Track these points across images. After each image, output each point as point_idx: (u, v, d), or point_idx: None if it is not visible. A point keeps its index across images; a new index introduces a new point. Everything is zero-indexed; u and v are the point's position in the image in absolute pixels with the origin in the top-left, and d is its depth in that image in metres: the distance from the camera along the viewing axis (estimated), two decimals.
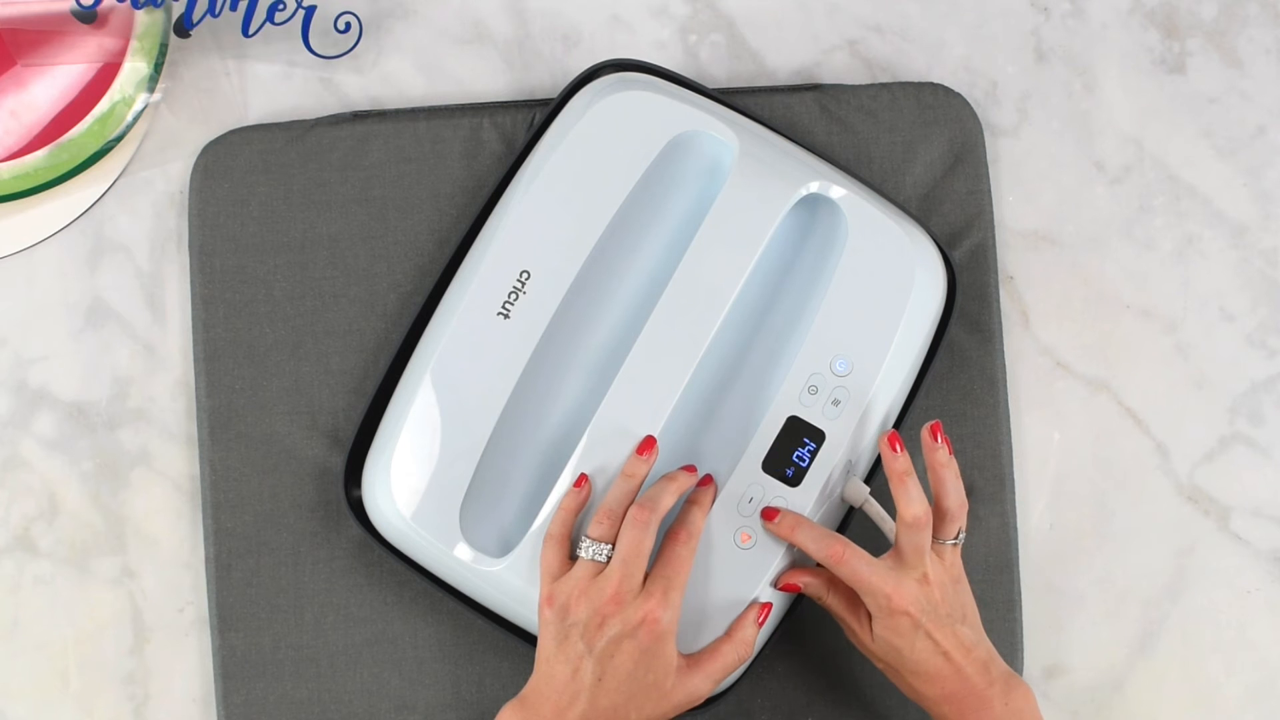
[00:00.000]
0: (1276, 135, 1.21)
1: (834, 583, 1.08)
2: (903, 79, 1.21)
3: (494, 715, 1.07)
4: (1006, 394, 1.18)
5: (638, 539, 1.03)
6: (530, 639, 1.10)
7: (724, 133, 1.11)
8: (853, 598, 1.07)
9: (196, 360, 1.17)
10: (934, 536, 1.05)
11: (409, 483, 1.08)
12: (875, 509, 1.08)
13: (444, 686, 1.15)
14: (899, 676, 1.06)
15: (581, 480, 1.06)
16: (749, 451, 1.08)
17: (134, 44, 1.18)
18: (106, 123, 1.18)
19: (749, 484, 1.08)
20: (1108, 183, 1.21)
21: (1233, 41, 1.22)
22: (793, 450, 1.08)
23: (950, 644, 1.04)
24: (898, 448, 1.05)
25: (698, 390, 1.10)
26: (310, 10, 1.17)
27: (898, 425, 1.12)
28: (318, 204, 1.17)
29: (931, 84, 1.19)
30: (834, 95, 1.19)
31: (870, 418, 1.09)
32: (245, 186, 1.17)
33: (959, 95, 1.19)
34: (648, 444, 1.06)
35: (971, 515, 1.16)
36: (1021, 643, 1.16)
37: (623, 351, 1.08)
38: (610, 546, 1.03)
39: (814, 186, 1.11)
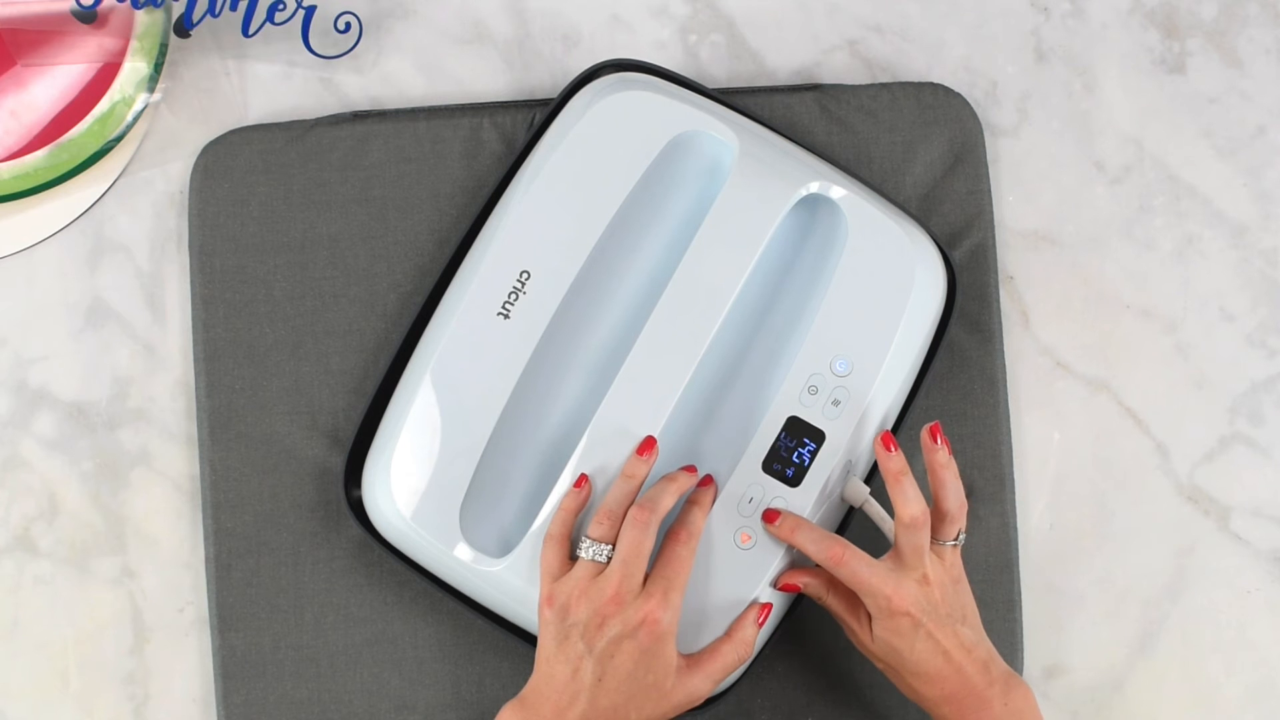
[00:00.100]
0: (1276, 135, 1.21)
1: (834, 583, 1.08)
2: (903, 79, 1.21)
3: (494, 715, 1.07)
4: (1006, 394, 1.18)
5: (638, 539, 1.03)
6: (530, 639, 1.10)
7: (724, 133, 1.11)
8: (853, 598, 1.07)
9: (196, 360, 1.17)
10: (934, 537, 1.05)
11: (409, 483, 1.08)
12: (875, 509, 1.08)
13: (444, 686, 1.15)
14: (899, 677, 1.06)
15: (581, 480, 1.06)
16: (749, 451, 1.08)
17: (134, 44, 1.18)
18: (106, 123, 1.18)
19: (749, 484, 1.08)
20: (1108, 183, 1.21)
21: (1233, 41, 1.22)
22: (793, 450, 1.08)
23: (950, 644, 1.04)
24: (892, 448, 1.05)
25: (698, 390, 1.10)
26: (310, 10, 1.17)
27: (898, 425, 1.12)
28: (318, 204, 1.17)
29: (931, 84, 1.19)
30: (834, 95, 1.19)
31: (870, 418, 1.09)
32: (245, 186, 1.17)
33: (959, 95, 1.19)
34: (648, 444, 1.06)
35: (971, 515, 1.16)
36: (1021, 643, 1.16)
37: (623, 351, 1.08)
38: (610, 547, 1.03)
39: (814, 186, 1.10)
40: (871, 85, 1.19)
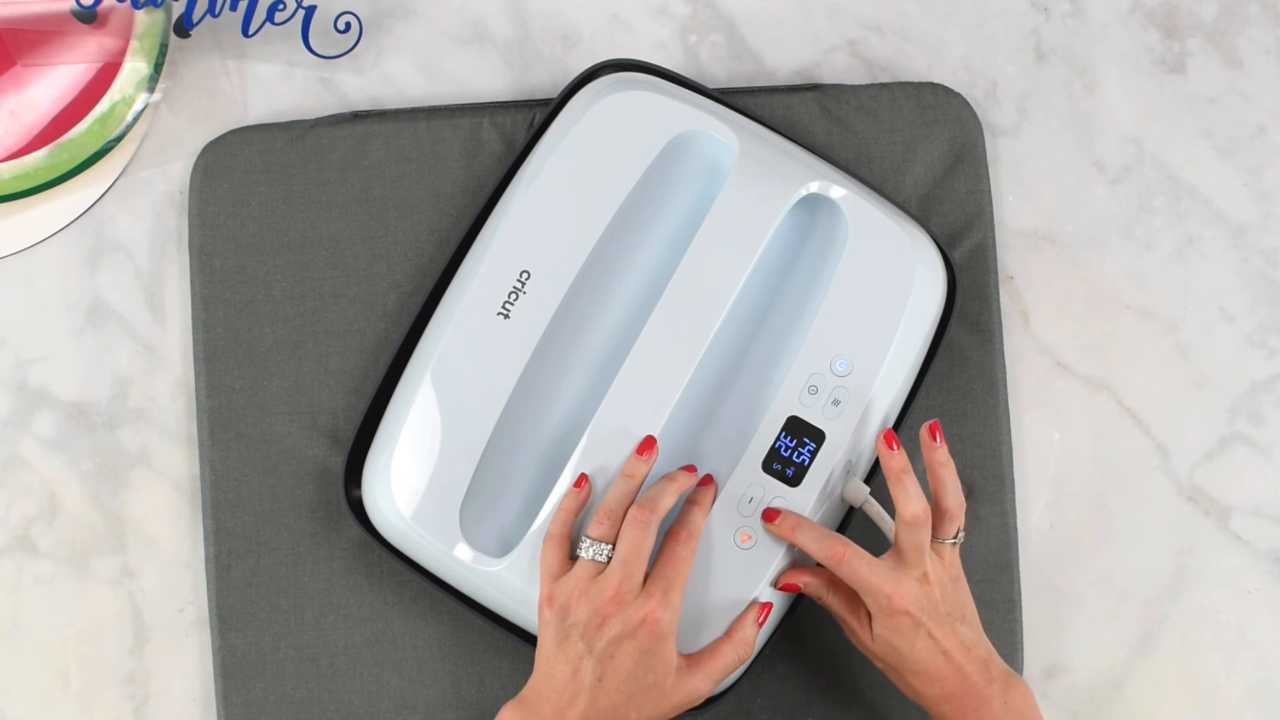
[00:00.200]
0: (1276, 135, 1.21)
1: (834, 582, 1.08)
2: (903, 79, 1.21)
3: (494, 715, 1.07)
4: (1006, 394, 1.18)
5: (638, 539, 1.03)
6: (530, 639, 1.10)
7: (724, 133, 1.11)
8: (853, 597, 1.07)
9: (196, 360, 1.17)
10: (934, 536, 1.05)
11: (409, 483, 1.08)
12: (875, 509, 1.08)
13: (444, 686, 1.15)
14: (899, 676, 1.06)
15: (581, 480, 1.06)
16: (749, 451, 1.08)
17: (134, 44, 1.18)
18: (106, 123, 1.18)
19: (749, 484, 1.08)
20: (1108, 183, 1.21)
21: (1233, 41, 1.22)
22: (793, 450, 1.08)
23: (950, 643, 1.04)
24: (894, 446, 1.05)
25: (698, 390, 1.10)
26: (310, 10, 1.17)
27: (898, 425, 1.12)
28: (318, 204, 1.17)
29: (931, 84, 1.19)
30: (834, 95, 1.19)
31: (870, 418, 1.09)
32: (245, 186, 1.17)
33: (959, 95, 1.19)
34: (648, 444, 1.06)
35: (971, 515, 1.16)
36: (1021, 643, 1.16)
37: (623, 351, 1.08)
38: (610, 547, 1.03)
39: (814, 186, 1.10)
40: (871, 85, 1.19)
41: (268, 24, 1.18)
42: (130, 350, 1.18)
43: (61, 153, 1.18)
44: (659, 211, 1.12)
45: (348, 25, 1.19)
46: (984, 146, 1.19)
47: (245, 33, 1.18)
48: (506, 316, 1.09)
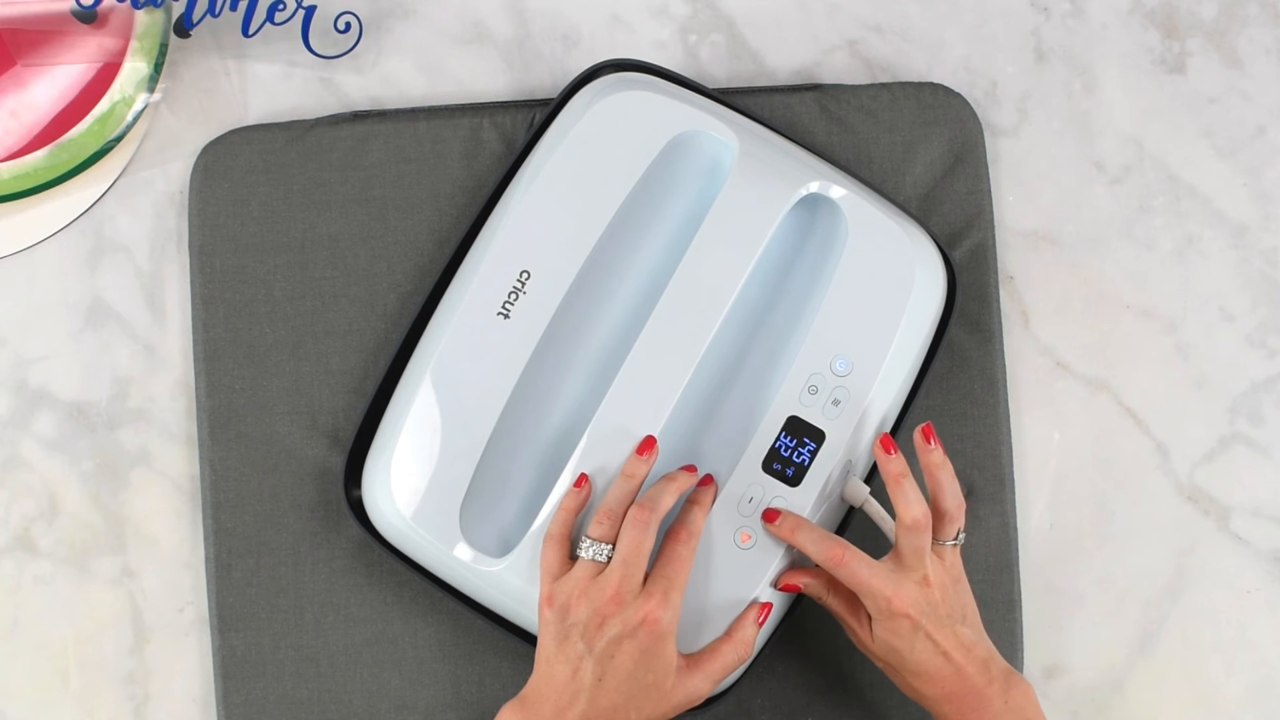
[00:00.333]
0: (1276, 135, 1.21)
1: (834, 583, 1.08)
2: (903, 79, 1.21)
3: (494, 715, 1.07)
4: (1006, 394, 1.18)
5: (638, 539, 1.03)
6: (530, 639, 1.10)
7: (724, 133, 1.11)
8: (853, 598, 1.07)
9: (196, 360, 1.17)
10: (934, 538, 1.05)
11: (409, 483, 1.08)
12: (875, 509, 1.08)
13: (444, 686, 1.15)
14: (899, 677, 1.06)
15: (581, 480, 1.06)
16: (749, 451, 1.08)
17: (134, 44, 1.18)
18: (106, 123, 1.18)
19: (749, 484, 1.08)
20: (1108, 183, 1.21)
21: (1233, 41, 1.22)
22: (793, 450, 1.08)
23: (950, 644, 1.04)
24: (892, 450, 1.05)
25: (698, 390, 1.10)
26: (310, 10, 1.17)
27: (898, 425, 1.12)
28: (318, 204, 1.17)
29: (931, 84, 1.19)
30: (834, 95, 1.19)
31: (870, 418, 1.09)
32: (245, 186, 1.17)
33: (959, 95, 1.19)
34: (648, 444, 1.06)
35: (971, 515, 1.16)
36: (1021, 643, 1.16)
37: (623, 351, 1.08)
38: (610, 546, 1.03)
39: (814, 186, 1.10)
40: (871, 85, 1.19)
41: (268, 24, 1.18)
42: (130, 350, 1.18)
43: (61, 153, 1.18)
44: (659, 211, 1.12)
45: (348, 25, 1.19)
46: (984, 146, 1.19)
47: (245, 33, 1.18)
48: (506, 316, 1.09)
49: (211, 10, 1.17)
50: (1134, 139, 1.21)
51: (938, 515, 1.05)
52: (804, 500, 1.08)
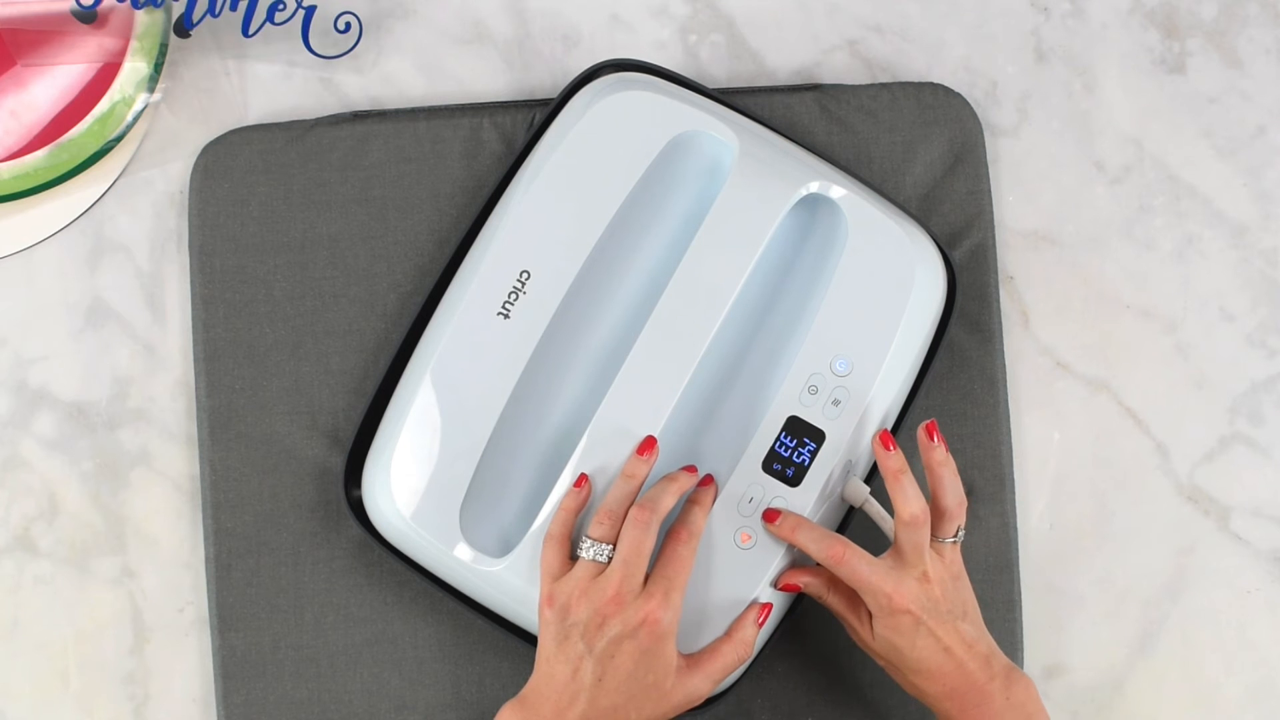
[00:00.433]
0: (1276, 135, 1.21)
1: (834, 582, 1.08)
2: (903, 79, 1.21)
3: (494, 715, 1.07)
4: (1006, 394, 1.18)
5: (639, 539, 1.03)
6: (530, 639, 1.10)
7: (724, 133, 1.11)
8: (853, 597, 1.07)
9: (196, 360, 1.17)
10: (934, 535, 1.05)
11: (409, 483, 1.08)
12: (875, 509, 1.08)
13: (444, 686, 1.15)
14: (900, 674, 1.06)
15: (582, 480, 1.06)
16: (749, 451, 1.08)
17: (134, 44, 1.18)
18: (106, 123, 1.18)
19: (749, 484, 1.08)
20: (1108, 183, 1.21)
21: (1233, 41, 1.22)
22: (793, 450, 1.08)
23: (951, 640, 1.04)
24: (891, 446, 1.05)
25: (698, 390, 1.10)
26: (310, 10, 1.17)
27: (898, 425, 1.12)
28: (318, 204, 1.17)
29: (931, 84, 1.19)
30: (834, 95, 1.19)
31: (870, 418, 1.09)
32: (245, 186, 1.17)
33: (959, 95, 1.19)
34: (648, 444, 1.06)
35: (971, 515, 1.16)
36: (1021, 643, 1.16)
37: (623, 351, 1.08)
38: (611, 547, 1.03)
39: (814, 186, 1.10)
40: (871, 85, 1.19)
41: (268, 24, 1.18)
42: (130, 350, 1.18)
43: (61, 153, 1.18)
44: (659, 211, 1.12)
45: (348, 25, 1.19)
46: (984, 146, 1.19)
47: (245, 33, 1.18)
48: (506, 316, 1.09)
49: (211, 10, 1.17)
50: (1134, 139, 1.21)
51: (938, 512, 1.05)
52: (804, 500, 1.08)
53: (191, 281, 1.17)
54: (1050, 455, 1.19)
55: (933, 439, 1.05)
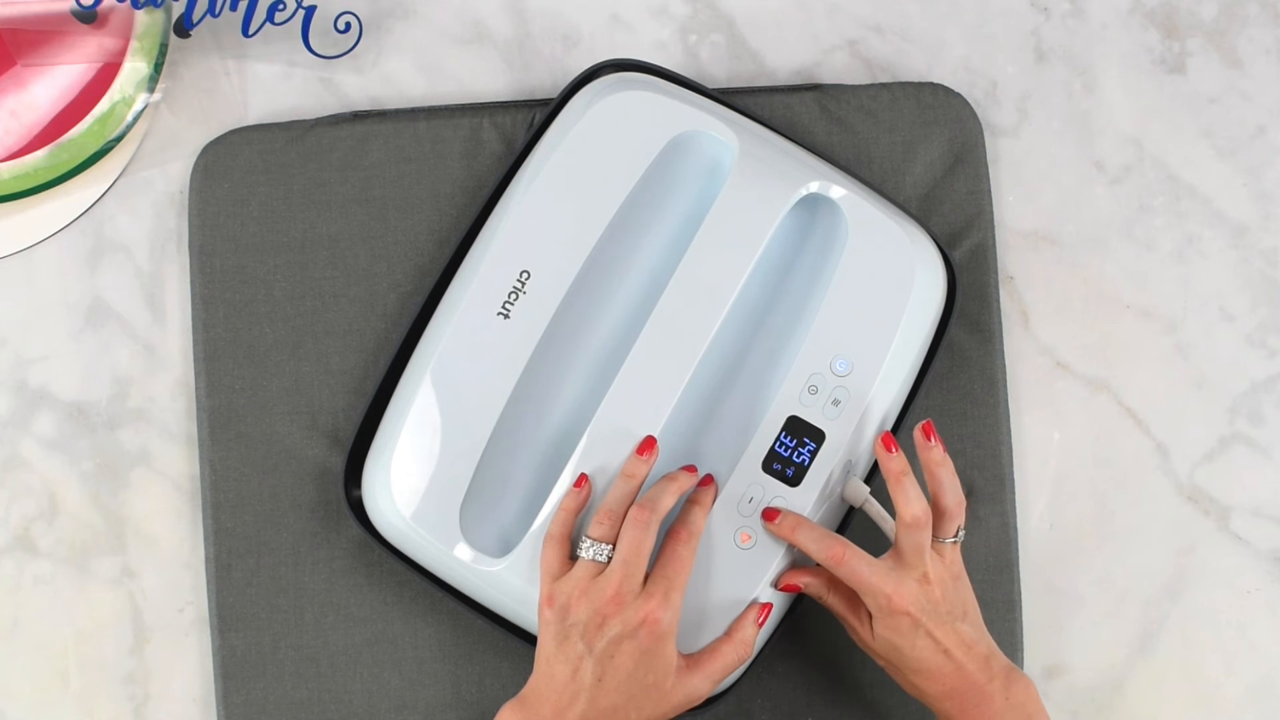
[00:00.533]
0: (1276, 135, 1.21)
1: (834, 582, 1.08)
2: (903, 79, 1.21)
3: (494, 715, 1.07)
4: (1006, 394, 1.18)
5: (638, 539, 1.03)
6: (530, 639, 1.10)
7: (724, 133, 1.11)
8: (853, 597, 1.07)
9: (196, 360, 1.17)
10: (934, 535, 1.05)
11: (409, 483, 1.08)
12: (875, 509, 1.08)
13: (444, 686, 1.15)
14: (900, 674, 1.06)
15: (582, 480, 1.06)
16: (749, 451, 1.08)
17: (134, 44, 1.18)
18: (106, 123, 1.18)
19: (749, 484, 1.08)
20: (1108, 183, 1.21)
21: (1233, 41, 1.22)
22: (793, 450, 1.08)
23: (951, 641, 1.04)
24: (893, 448, 1.05)
25: (698, 390, 1.10)
26: (310, 10, 1.17)
27: (898, 425, 1.12)
28: (318, 204, 1.17)
29: (931, 84, 1.19)
30: (834, 95, 1.19)
31: (870, 418, 1.09)
32: (245, 186, 1.17)
33: (959, 95, 1.19)
34: (648, 444, 1.06)
35: (971, 515, 1.16)
36: (1021, 643, 1.16)
37: (623, 351, 1.08)
38: (611, 547, 1.03)
39: (814, 186, 1.10)
40: (871, 85, 1.19)
41: (268, 24, 1.18)
42: (130, 350, 1.18)
43: (61, 153, 1.18)
44: (659, 211, 1.12)
45: (348, 25, 1.19)
46: (984, 146, 1.19)
47: (245, 33, 1.18)
48: (506, 316, 1.09)
49: (211, 10, 1.17)
50: (1134, 139, 1.21)
51: (938, 513, 1.05)
52: (804, 500, 1.08)
53: (191, 281, 1.17)
54: (1050, 455, 1.19)
55: (929, 439, 1.05)
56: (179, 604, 1.17)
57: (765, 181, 1.10)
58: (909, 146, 1.18)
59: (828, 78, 1.21)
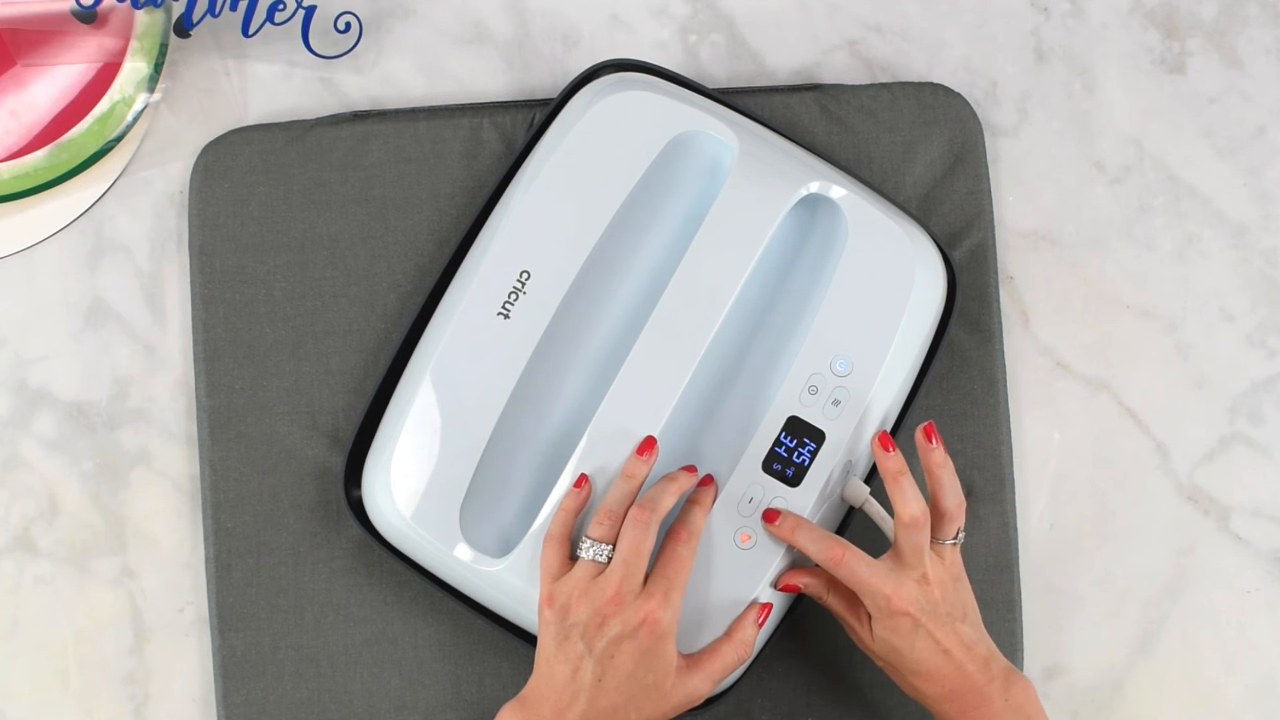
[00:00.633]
0: (1276, 135, 1.21)
1: (834, 583, 1.08)
2: (903, 79, 1.21)
3: (494, 715, 1.07)
4: (1006, 394, 1.18)
5: (638, 539, 1.03)
6: (530, 639, 1.10)
7: (724, 133, 1.11)
8: (853, 598, 1.07)
9: (196, 360, 1.17)
10: (934, 536, 1.05)
11: (409, 483, 1.08)
12: (875, 509, 1.08)
13: (444, 686, 1.15)
14: (899, 675, 1.06)
15: (582, 480, 1.06)
16: (749, 451, 1.08)
17: (134, 44, 1.18)
18: (106, 123, 1.18)
19: (749, 484, 1.08)
20: (1108, 183, 1.21)
21: (1233, 41, 1.22)
22: (793, 450, 1.08)
23: (951, 643, 1.04)
24: (890, 448, 1.05)
25: (698, 390, 1.10)
26: (310, 10, 1.17)
27: (898, 425, 1.12)
28: (318, 204, 1.17)
29: (931, 84, 1.19)
30: (834, 95, 1.19)
31: (870, 418, 1.09)
32: (245, 186, 1.17)
33: (959, 95, 1.19)
34: (648, 444, 1.06)
35: (971, 515, 1.16)
36: (1021, 643, 1.16)
37: (623, 351, 1.08)
38: (611, 547, 1.03)
39: (814, 186, 1.10)
40: (871, 85, 1.19)
41: (268, 24, 1.18)
42: (130, 350, 1.18)
43: (61, 153, 1.18)
44: (659, 211, 1.12)
45: (348, 25, 1.19)
46: (984, 146, 1.19)
47: (245, 33, 1.18)
48: (506, 316, 1.09)
49: (211, 10, 1.17)
50: (1134, 139, 1.21)
51: (938, 514, 1.05)
52: (804, 500, 1.08)
53: (191, 281, 1.17)
54: (1050, 455, 1.19)
55: (931, 441, 1.05)
56: (179, 604, 1.17)
57: (765, 181, 1.10)
58: (909, 146, 1.18)
59: (828, 78, 1.21)
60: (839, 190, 1.11)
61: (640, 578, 1.02)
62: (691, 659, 1.05)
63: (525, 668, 1.07)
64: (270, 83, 1.20)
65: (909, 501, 1.03)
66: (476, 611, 1.11)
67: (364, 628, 1.15)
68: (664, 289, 1.08)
